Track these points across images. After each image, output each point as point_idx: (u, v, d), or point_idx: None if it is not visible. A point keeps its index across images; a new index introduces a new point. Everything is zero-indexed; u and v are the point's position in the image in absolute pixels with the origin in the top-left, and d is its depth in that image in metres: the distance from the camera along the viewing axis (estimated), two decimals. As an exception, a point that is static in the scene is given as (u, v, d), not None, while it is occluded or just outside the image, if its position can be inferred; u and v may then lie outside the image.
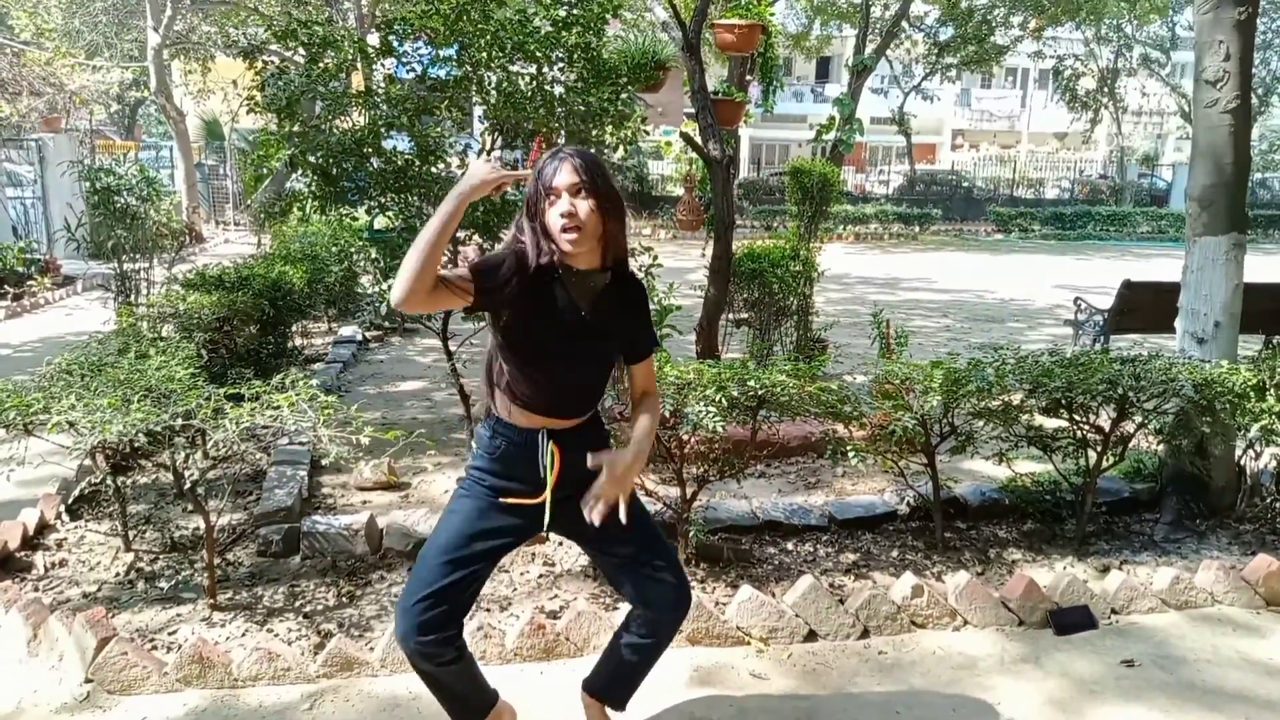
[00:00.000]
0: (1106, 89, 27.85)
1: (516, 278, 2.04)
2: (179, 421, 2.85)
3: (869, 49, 11.34)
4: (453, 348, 5.09)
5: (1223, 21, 3.94)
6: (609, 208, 2.06)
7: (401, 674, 2.81)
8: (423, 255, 1.92)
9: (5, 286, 10.07)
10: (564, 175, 2.04)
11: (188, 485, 3.05)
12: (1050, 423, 3.87)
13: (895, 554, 3.75)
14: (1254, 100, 4.81)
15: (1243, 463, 4.15)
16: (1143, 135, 34.27)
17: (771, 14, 6.97)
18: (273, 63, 4.79)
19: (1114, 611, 3.31)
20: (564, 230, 2.02)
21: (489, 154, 5.08)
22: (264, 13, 16.68)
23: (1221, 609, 3.38)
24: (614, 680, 2.44)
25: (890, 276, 14.48)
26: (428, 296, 1.96)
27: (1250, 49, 3.98)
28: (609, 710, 2.48)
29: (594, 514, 2.13)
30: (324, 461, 4.45)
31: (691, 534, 3.49)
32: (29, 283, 10.42)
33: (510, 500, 2.17)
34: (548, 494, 2.15)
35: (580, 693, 2.50)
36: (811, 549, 3.78)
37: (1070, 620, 3.20)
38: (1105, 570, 3.64)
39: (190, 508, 3.88)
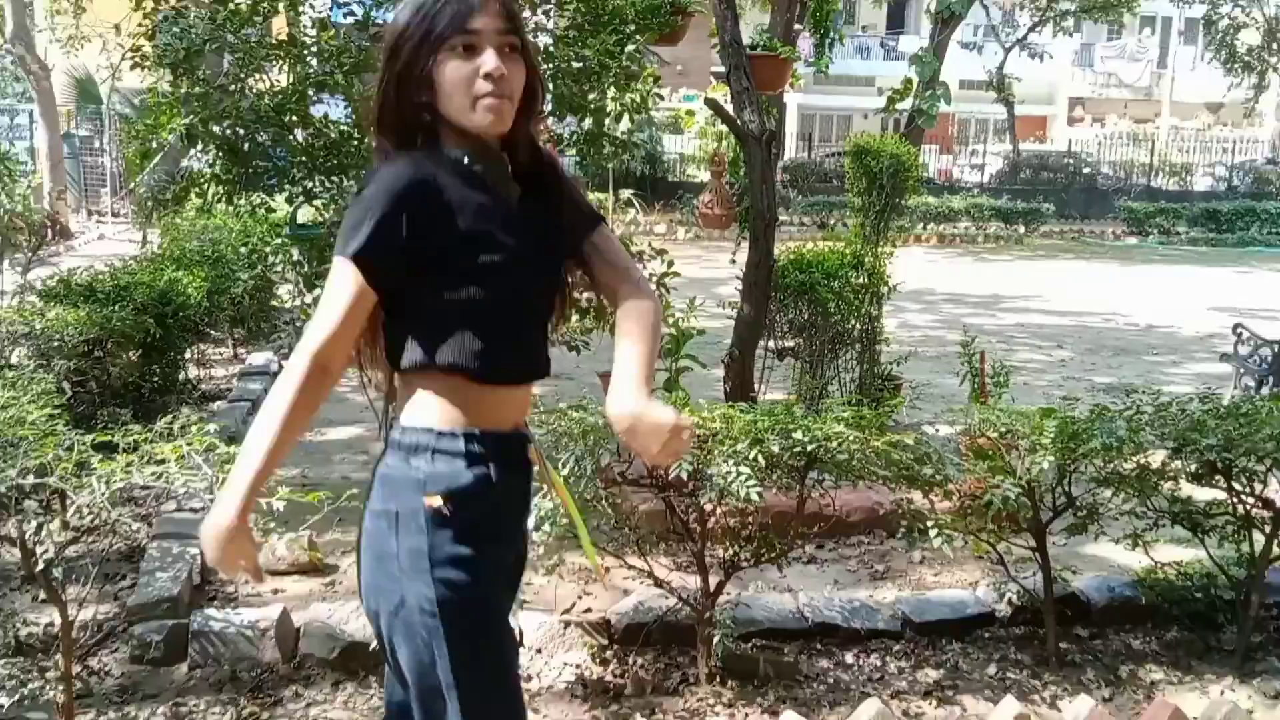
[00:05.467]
0: (1277, 45, 28.00)
1: (408, 215, 1.83)
2: (30, 480, 2.85)
3: (958, -10, 11.43)
4: (398, 384, 5.09)
5: None
6: (534, 65, 1.97)
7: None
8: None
9: None
10: (486, 17, 1.83)
11: (40, 566, 3.05)
12: (1203, 493, 3.86)
13: (993, 670, 3.73)
14: None
15: None
16: (1325, 107, 34.43)
17: (829, -56, 7.06)
18: (168, 2, 4.84)
19: (1291, 753, 3.28)
20: (488, 96, 1.84)
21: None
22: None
23: None
24: None
25: (987, 293, 14.51)
26: (342, 367, 2.02)
27: None
28: None
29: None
30: (223, 534, 4.44)
31: (716, 640, 3.46)
32: None
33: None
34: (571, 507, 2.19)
35: None
36: (879, 662, 3.76)
37: (1231, 765, 3.16)
38: (1278, 696, 3.60)
39: (43, 596, 3.86)
